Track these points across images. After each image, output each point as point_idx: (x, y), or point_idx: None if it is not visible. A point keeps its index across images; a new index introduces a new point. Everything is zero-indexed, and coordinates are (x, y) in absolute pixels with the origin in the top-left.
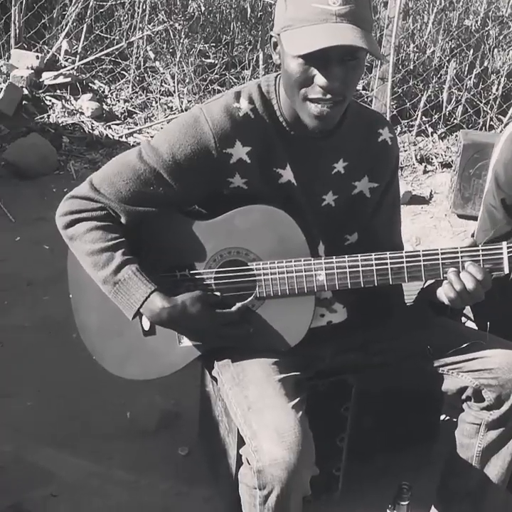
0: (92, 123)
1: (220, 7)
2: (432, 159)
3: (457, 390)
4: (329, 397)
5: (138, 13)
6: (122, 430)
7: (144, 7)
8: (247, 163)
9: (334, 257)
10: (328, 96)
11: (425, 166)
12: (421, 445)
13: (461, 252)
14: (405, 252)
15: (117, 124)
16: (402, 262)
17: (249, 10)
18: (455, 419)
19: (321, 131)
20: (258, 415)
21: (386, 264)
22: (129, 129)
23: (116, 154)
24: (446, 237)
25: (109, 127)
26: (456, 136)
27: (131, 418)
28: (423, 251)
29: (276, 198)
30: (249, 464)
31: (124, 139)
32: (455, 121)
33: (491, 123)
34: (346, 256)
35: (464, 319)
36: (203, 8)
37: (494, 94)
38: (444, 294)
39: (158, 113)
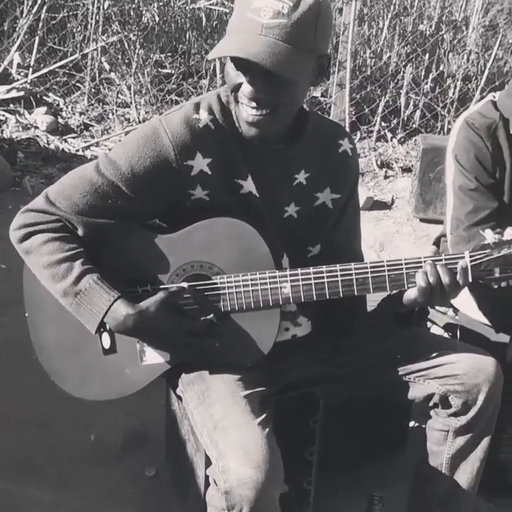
0: (48, 137)
1: (174, 17)
2: (392, 164)
3: (424, 397)
4: (297, 410)
5: (91, 24)
6: (87, 454)
7: (98, 18)
8: (208, 174)
9: (299, 268)
10: (253, 104)
11: (386, 171)
12: (391, 453)
13: (425, 261)
14: (370, 263)
15: (73, 138)
16: (367, 273)
17: (204, 19)
18: (424, 426)
19: (259, 140)
20: (224, 434)
21: (351, 275)
22: (85, 142)
23: (73, 168)
24: (409, 242)
25: (65, 141)
26: (415, 140)
27: (96, 440)
28: (387, 261)
29: (239, 209)
30: (216, 484)
31: (81, 153)
32: (413, 125)
33: (449, 126)
34: (311, 267)
35: (429, 324)
36: (157, 18)
37: (451, 97)
38: (417, 284)
39: (115, 125)
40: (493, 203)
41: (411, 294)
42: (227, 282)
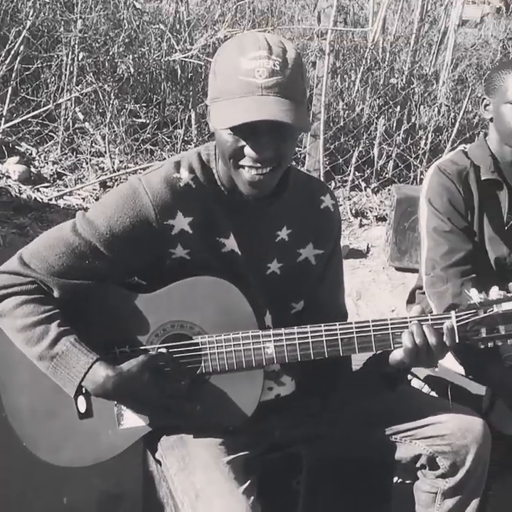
0: (20, 186)
1: (149, 68)
2: (366, 213)
3: (411, 458)
4: (280, 471)
5: (65, 75)
6: None
7: (72, 69)
8: (189, 233)
9: (283, 328)
10: (259, 164)
11: (361, 220)
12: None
13: (411, 321)
14: (355, 323)
15: (46, 187)
16: (352, 333)
17: (179, 71)
18: (407, 482)
19: (258, 198)
20: (207, 504)
21: (336, 335)
22: (58, 191)
23: (45, 218)
24: (385, 290)
25: (38, 190)
26: (389, 190)
27: (69, 504)
28: (373, 321)
29: (220, 267)
30: None
31: (54, 202)
32: (387, 175)
33: (422, 177)
34: (295, 327)
35: (410, 376)
36: (132, 70)
37: (423, 148)
38: (404, 349)
39: (89, 174)
40: (467, 245)
41: (397, 355)
42: (209, 342)
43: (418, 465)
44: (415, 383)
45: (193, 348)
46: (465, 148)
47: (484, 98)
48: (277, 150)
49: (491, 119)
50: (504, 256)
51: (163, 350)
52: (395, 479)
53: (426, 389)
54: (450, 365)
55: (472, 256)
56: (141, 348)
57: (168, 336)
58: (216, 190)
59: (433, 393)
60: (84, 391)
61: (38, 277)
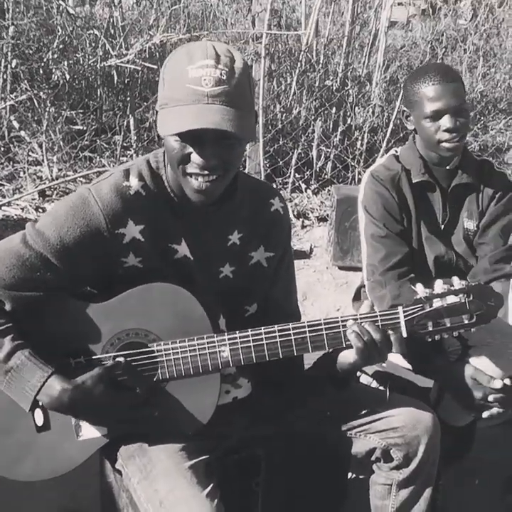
0: None
1: (85, 74)
2: (308, 214)
3: (366, 452)
4: (239, 473)
5: None
6: None
7: (5, 77)
8: (140, 241)
9: (237, 331)
10: (205, 172)
11: (303, 221)
12: (333, 508)
13: (361, 318)
14: (307, 322)
15: None
16: (305, 333)
17: (115, 76)
18: (361, 477)
19: (206, 205)
20: (172, 510)
21: (289, 335)
22: None
23: None
24: (330, 290)
25: None
26: (329, 190)
27: None
28: (324, 320)
29: (173, 273)
30: None
31: None
32: (326, 176)
33: (359, 177)
34: (249, 330)
35: (358, 372)
36: (67, 76)
37: (359, 149)
38: (353, 345)
39: (27, 183)
40: (403, 248)
41: (349, 356)
42: (164, 349)
43: (373, 458)
44: (364, 379)
45: (148, 355)
46: (396, 151)
47: (404, 110)
48: (222, 158)
49: (415, 130)
50: (442, 254)
51: (121, 359)
52: (349, 475)
53: (374, 384)
54: (397, 360)
55: (409, 258)
56: (97, 357)
57: (123, 344)
58: (166, 196)
59: (381, 388)
60: (40, 404)
61: None
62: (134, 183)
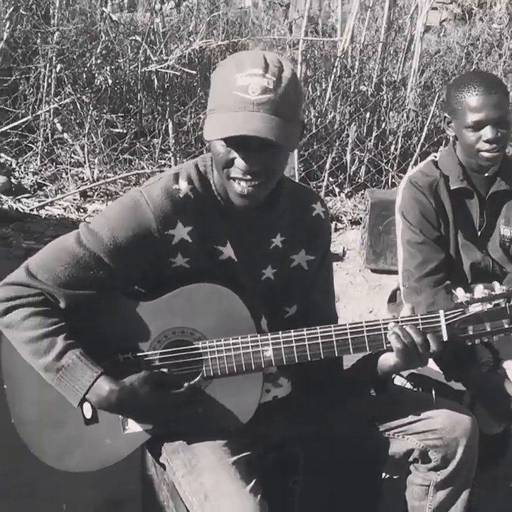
0: (0, 197)
1: (125, 79)
2: (341, 217)
3: (404, 453)
4: (277, 471)
5: (43, 86)
6: None
7: (50, 81)
8: (188, 242)
9: (280, 332)
10: (248, 177)
11: (336, 224)
12: (367, 508)
13: (402, 321)
14: (349, 324)
15: (27, 197)
16: (347, 335)
17: (156, 81)
18: (395, 477)
19: (247, 209)
20: (216, 504)
21: (331, 336)
22: (39, 201)
23: (27, 228)
24: (363, 292)
25: (19, 201)
26: (362, 194)
27: (68, 510)
28: (366, 322)
29: (218, 274)
30: None
31: (35, 212)
32: (359, 180)
33: (393, 181)
34: (292, 331)
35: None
36: (110, 81)
37: (393, 153)
38: (393, 348)
39: (69, 184)
40: (440, 254)
41: (390, 359)
42: (209, 347)
43: (411, 459)
44: (398, 381)
45: (194, 353)
46: (435, 157)
47: (446, 116)
48: (265, 165)
49: (455, 137)
50: (478, 261)
51: (165, 370)
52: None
53: (408, 386)
54: (431, 364)
55: (445, 265)
56: (144, 354)
57: (169, 342)
58: (213, 199)
59: (418, 390)
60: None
61: (45, 289)
62: (183, 186)
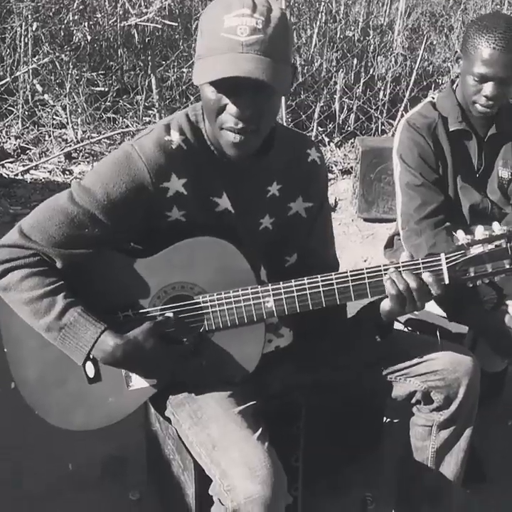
0: None
1: (105, 34)
2: (331, 167)
3: (406, 395)
4: (280, 418)
5: (20, 46)
6: (66, 484)
7: (26, 41)
8: (184, 195)
9: (281, 282)
10: (240, 125)
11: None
12: (370, 451)
13: (403, 266)
14: (350, 271)
15: (11, 162)
16: (348, 282)
17: (136, 36)
18: (395, 421)
19: (241, 158)
20: (225, 453)
21: (332, 285)
22: (24, 166)
23: (13, 193)
24: (356, 242)
25: (3, 166)
26: (352, 143)
27: (74, 469)
28: (367, 269)
29: (215, 226)
30: (222, 503)
31: (20, 177)
32: (349, 129)
33: (383, 128)
34: (292, 280)
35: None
36: (88, 38)
37: (382, 100)
38: (387, 291)
39: (53, 146)
40: (439, 196)
41: (385, 305)
42: (210, 301)
43: (413, 401)
44: (396, 326)
45: (195, 307)
46: (433, 98)
47: (457, 51)
48: (257, 108)
49: (456, 76)
50: (477, 203)
51: (170, 314)
52: (385, 419)
53: (406, 330)
54: (430, 307)
55: (444, 206)
56: (144, 310)
57: (169, 297)
58: (206, 150)
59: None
60: (91, 358)
61: (39, 249)
62: (175, 137)
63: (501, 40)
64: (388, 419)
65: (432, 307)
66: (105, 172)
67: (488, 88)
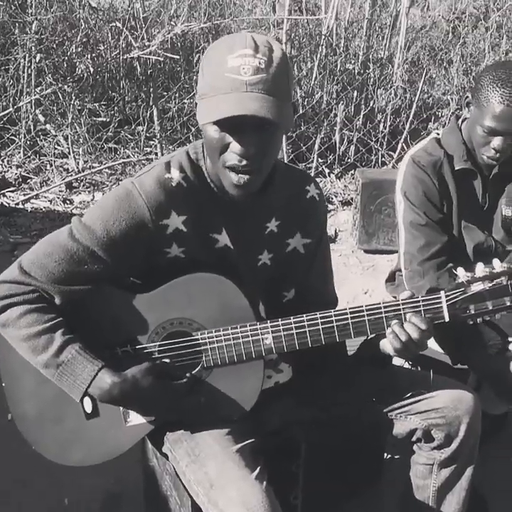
0: None
1: (107, 66)
2: (332, 198)
3: (407, 433)
4: (279, 455)
5: (23, 77)
6: None
7: (30, 71)
8: (183, 232)
9: (280, 319)
10: (244, 162)
11: (327, 206)
12: (370, 487)
13: (403, 304)
14: (349, 309)
15: (12, 191)
16: (347, 319)
17: (138, 67)
18: (397, 457)
19: (243, 198)
20: (222, 492)
21: (331, 322)
22: (25, 195)
23: (13, 222)
24: (356, 273)
25: (4, 195)
26: (352, 174)
27: (70, 504)
28: (366, 306)
29: (215, 263)
30: None
31: (20, 206)
32: (349, 160)
33: (383, 159)
34: (292, 317)
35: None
36: (91, 69)
37: (382, 132)
38: (390, 344)
39: (54, 176)
40: (443, 237)
41: (387, 348)
42: (209, 337)
43: (414, 439)
44: (397, 361)
45: (193, 343)
46: (438, 134)
47: (468, 96)
48: (261, 146)
49: (467, 118)
50: (482, 242)
51: (166, 361)
52: (385, 455)
53: (406, 366)
54: (432, 343)
55: (448, 247)
56: (143, 346)
57: (168, 333)
58: (206, 187)
59: (418, 370)
60: (89, 394)
61: (39, 285)
62: (175, 175)
63: None
64: (389, 455)
65: (435, 344)
66: (106, 209)
67: (496, 142)
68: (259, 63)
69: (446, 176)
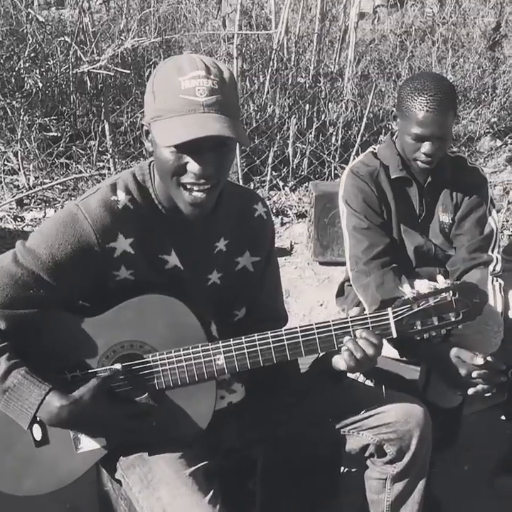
0: None
1: (57, 81)
2: (286, 211)
3: (360, 449)
4: (236, 474)
5: None
6: None
7: None
8: (131, 254)
9: (231, 339)
10: (202, 180)
11: (282, 219)
12: (327, 503)
13: (352, 321)
14: (300, 327)
15: None
16: (298, 337)
17: (88, 82)
18: (353, 470)
19: (198, 217)
20: None
21: (283, 340)
22: None
23: None
24: (312, 286)
25: None
26: (306, 187)
27: None
28: (316, 324)
29: (165, 284)
30: None
31: None
32: (303, 173)
33: (336, 172)
34: (243, 337)
35: None
36: (40, 84)
37: (334, 145)
38: (344, 361)
39: (4, 193)
40: (385, 238)
41: (339, 365)
42: (160, 359)
43: (367, 454)
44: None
45: (144, 366)
46: (374, 149)
47: (393, 111)
48: (218, 165)
49: (398, 132)
50: (421, 245)
51: (118, 366)
52: (342, 469)
53: (361, 378)
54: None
55: (391, 248)
56: (93, 370)
57: (118, 356)
58: (153, 208)
59: (368, 382)
60: (38, 420)
61: None
62: (121, 196)
63: (433, 102)
64: (346, 469)
65: (385, 348)
66: (50, 233)
67: (425, 147)
68: (213, 84)
69: (384, 184)
